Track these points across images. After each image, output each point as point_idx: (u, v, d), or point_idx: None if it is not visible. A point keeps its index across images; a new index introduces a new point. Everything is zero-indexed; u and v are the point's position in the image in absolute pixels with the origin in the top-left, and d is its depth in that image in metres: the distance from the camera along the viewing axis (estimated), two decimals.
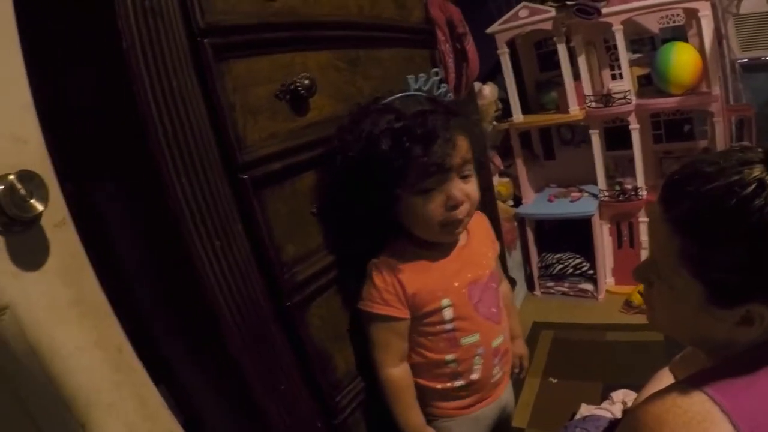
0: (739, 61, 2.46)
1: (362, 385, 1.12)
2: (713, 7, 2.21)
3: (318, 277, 0.99)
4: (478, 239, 1.18)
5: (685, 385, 0.67)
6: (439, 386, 1.14)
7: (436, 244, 1.10)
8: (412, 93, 1.05)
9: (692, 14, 2.28)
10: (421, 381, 1.15)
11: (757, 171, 0.63)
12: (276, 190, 0.91)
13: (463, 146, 1.00)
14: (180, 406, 1.03)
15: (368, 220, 1.05)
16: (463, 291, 1.10)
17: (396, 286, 1.05)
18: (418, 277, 1.06)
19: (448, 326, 1.09)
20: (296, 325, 0.94)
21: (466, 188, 1.04)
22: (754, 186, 0.62)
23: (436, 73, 1.10)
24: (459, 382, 1.14)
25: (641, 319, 2.40)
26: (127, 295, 1.01)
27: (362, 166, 0.96)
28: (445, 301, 1.08)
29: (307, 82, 0.94)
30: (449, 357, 1.11)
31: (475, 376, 1.14)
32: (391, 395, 1.12)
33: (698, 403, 0.63)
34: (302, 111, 0.98)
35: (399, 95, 1.04)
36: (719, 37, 2.29)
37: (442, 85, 1.09)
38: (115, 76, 0.75)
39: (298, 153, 0.95)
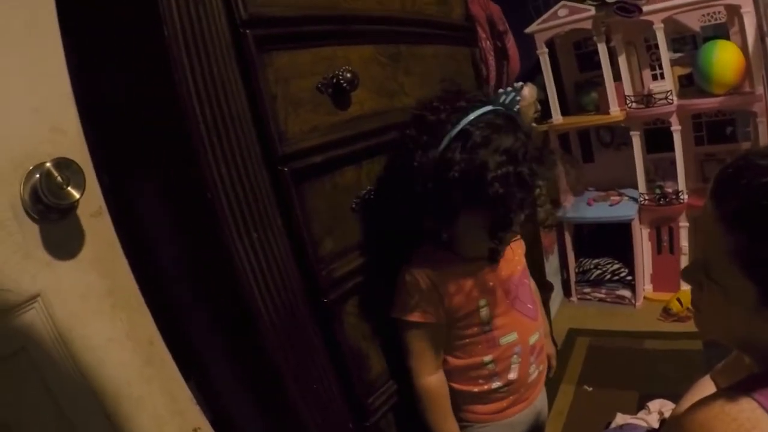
0: None
1: (395, 387, 1.10)
2: (755, 3, 2.14)
3: (355, 275, 0.97)
4: None
5: (733, 391, 0.64)
6: (475, 389, 1.11)
7: None
8: (496, 109, 0.97)
9: (734, 11, 2.22)
10: (457, 385, 1.12)
11: None
12: (316, 183, 0.90)
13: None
14: (208, 403, 1.02)
15: (409, 225, 1.03)
16: (498, 289, 1.08)
17: (431, 292, 1.02)
18: (453, 280, 1.03)
19: (487, 327, 1.07)
20: (332, 322, 0.92)
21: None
22: None
23: (520, 87, 1.04)
24: (496, 383, 1.11)
25: (680, 327, 2.38)
26: (160, 290, 1.01)
27: (451, 200, 0.91)
28: (482, 302, 1.05)
29: (349, 75, 0.92)
30: (487, 358, 1.08)
31: (512, 376, 1.11)
32: (428, 404, 1.09)
33: (748, 410, 0.60)
34: (344, 105, 0.96)
35: (481, 112, 0.94)
36: (762, 34, 2.21)
37: (517, 98, 1.03)
38: (156, 67, 0.75)
39: (339, 147, 0.93)
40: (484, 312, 1.06)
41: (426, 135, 0.94)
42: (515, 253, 1.16)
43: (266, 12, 0.83)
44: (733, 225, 0.64)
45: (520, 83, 1.05)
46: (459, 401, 1.14)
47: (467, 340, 1.08)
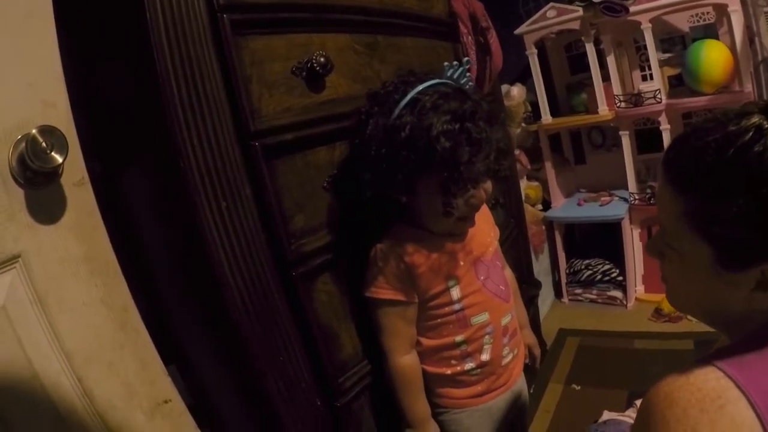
0: None
1: (368, 369, 1.11)
2: (743, 3, 2.16)
3: (326, 251, 1.00)
4: (480, 219, 1.16)
5: (699, 362, 0.62)
6: (448, 371, 1.13)
7: None
8: (444, 82, 1.02)
9: (722, 11, 2.24)
10: (430, 368, 1.13)
11: (755, 119, 0.60)
12: (288, 160, 0.93)
13: (497, 151, 1.01)
14: (189, 388, 1.06)
15: (379, 203, 1.05)
16: (469, 269, 1.10)
17: (402, 269, 1.05)
18: (423, 259, 1.05)
19: (457, 306, 1.09)
20: (301, 297, 0.95)
21: (487, 186, 1.04)
22: (751, 133, 0.59)
23: (467, 62, 1.09)
24: (469, 364, 1.12)
25: (671, 327, 2.38)
26: (147, 272, 1.05)
27: (402, 160, 0.94)
28: (451, 281, 1.07)
29: (322, 60, 0.96)
30: (459, 338, 1.10)
31: (485, 357, 1.12)
32: (400, 384, 1.10)
33: (713, 379, 0.58)
34: (318, 88, 1.00)
35: (432, 83, 1.00)
36: (751, 34, 2.23)
37: (467, 74, 1.08)
38: (138, 50, 0.80)
39: (311, 127, 0.97)
40: (454, 291, 1.08)
41: (377, 106, 0.99)
42: (487, 235, 1.19)
43: None
44: (684, 188, 0.65)
45: (467, 59, 1.10)
46: (433, 385, 1.15)
47: (439, 320, 1.10)
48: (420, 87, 0.98)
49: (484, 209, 1.24)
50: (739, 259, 0.62)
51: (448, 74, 1.05)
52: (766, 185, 0.57)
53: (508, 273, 1.31)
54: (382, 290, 1.06)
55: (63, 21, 0.77)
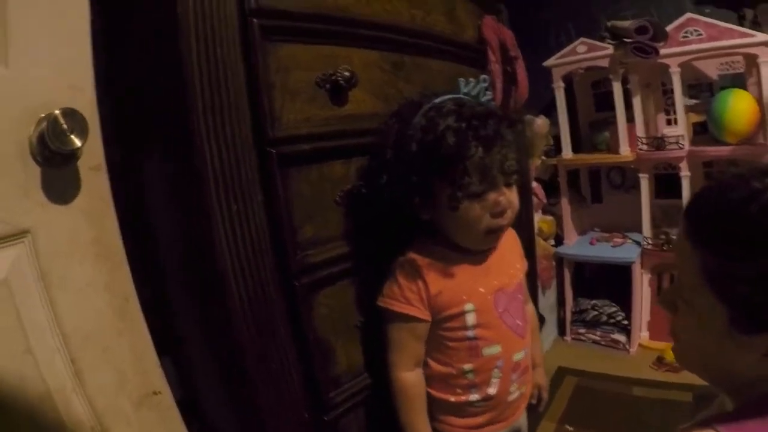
0: None
1: (362, 386, 1.10)
2: None
3: (331, 265, 0.99)
4: (508, 249, 1.15)
5: (700, 423, 0.61)
6: (452, 399, 1.10)
7: (467, 249, 1.07)
8: (462, 96, 1.05)
9: (752, 61, 2.22)
10: (434, 392, 1.11)
11: None
12: (303, 170, 0.94)
13: (514, 155, 1.01)
14: (181, 382, 1.06)
15: (395, 219, 1.06)
16: (488, 297, 1.07)
17: (419, 285, 1.03)
18: (443, 278, 1.04)
19: (470, 333, 1.05)
20: (301, 308, 0.94)
21: (510, 196, 1.03)
22: None
23: (484, 80, 1.11)
24: (474, 396, 1.09)
25: (672, 377, 2.34)
26: (154, 266, 1.07)
27: (414, 160, 0.96)
28: (468, 306, 1.05)
29: (347, 74, 0.97)
30: (467, 367, 1.07)
31: (491, 391, 1.09)
32: (401, 400, 1.08)
33: None
34: (341, 102, 1.01)
35: (451, 96, 1.04)
36: None
37: (488, 92, 1.10)
38: (166, 44, 0.82)
39: (329, 139, 0.98)
40: (470, 317, 1.05)
41: (396, 118, 1.03)
42: (512, 266, 1.16)
43: (276, 4, 0.89)
44: (703, 243, 0.64)
45: (484, 76, 1.14)
46: (435, 410, 1.12)
47: (449, 344, 1.07)
48: (437, 100, 1.01)
49: (515, 240, 1.23)
50: (754, 322, 0.60)
51: (465, 90, 1.08)
52: None
53: (530, 309, 1.28)
54: (396, 303, 1.04)
55: (96, 7, 0.79)
